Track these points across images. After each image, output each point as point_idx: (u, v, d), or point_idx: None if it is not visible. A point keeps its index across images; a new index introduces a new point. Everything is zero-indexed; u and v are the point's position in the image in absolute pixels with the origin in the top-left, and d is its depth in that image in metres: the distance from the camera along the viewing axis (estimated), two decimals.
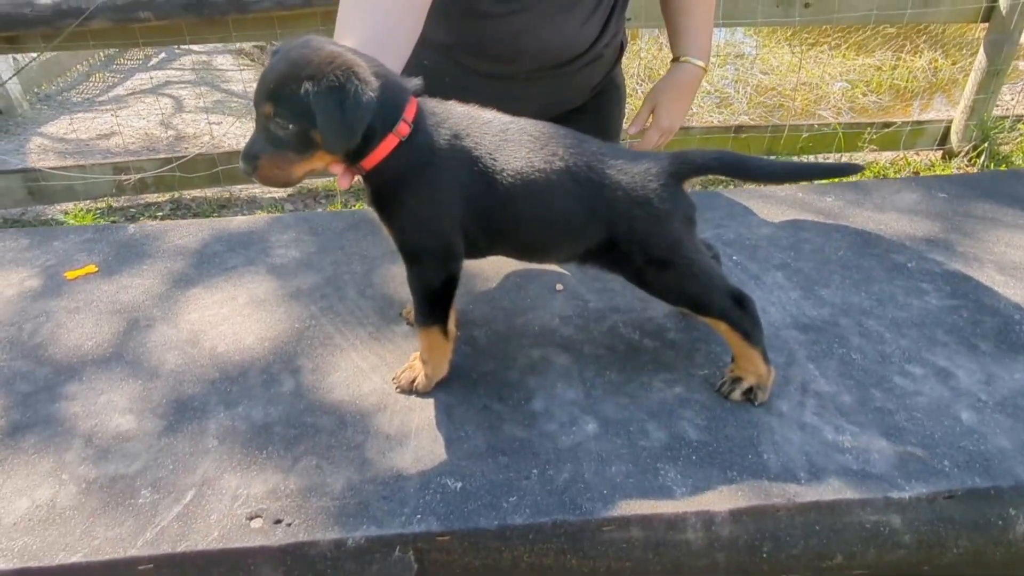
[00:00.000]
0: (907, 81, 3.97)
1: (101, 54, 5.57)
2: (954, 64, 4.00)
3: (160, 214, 2.92)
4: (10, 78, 3.65)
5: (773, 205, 1.16)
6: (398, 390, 0.75)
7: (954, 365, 0.80)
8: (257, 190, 3.17)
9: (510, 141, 0.68)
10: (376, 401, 0.73)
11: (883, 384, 0.78)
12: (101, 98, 4.89)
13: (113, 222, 2.71)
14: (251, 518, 0.58)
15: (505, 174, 0.66)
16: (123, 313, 0.89)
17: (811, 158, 2.80)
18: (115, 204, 2.93)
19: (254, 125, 0.65)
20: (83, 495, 0.61)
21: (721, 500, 0.63)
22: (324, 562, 0.57)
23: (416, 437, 0.68)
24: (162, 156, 2.96)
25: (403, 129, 0.63)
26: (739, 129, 2.75)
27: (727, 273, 0.97)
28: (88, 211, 2.91)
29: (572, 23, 1.08)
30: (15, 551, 0.55)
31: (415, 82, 0.67)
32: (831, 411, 0.74)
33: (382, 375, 0.77)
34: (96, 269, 1.01)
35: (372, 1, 0.86)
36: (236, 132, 3.96)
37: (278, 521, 0.58)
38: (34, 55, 3.29)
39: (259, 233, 1.10)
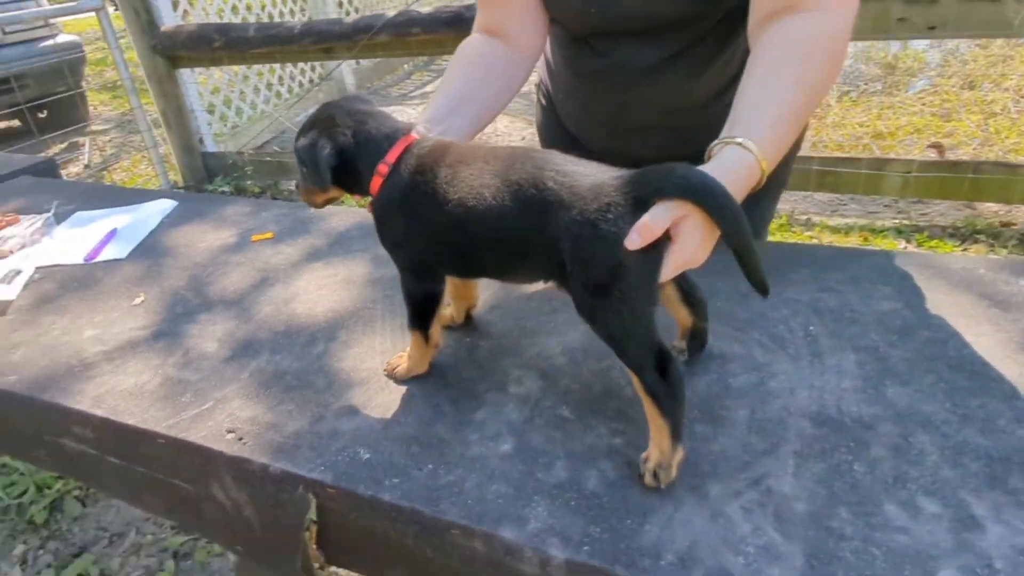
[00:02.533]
0: None
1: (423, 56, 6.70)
2: None
3: None
4: (328, 73, 4.67)
5: (934, 278, 1.00)
6: (384, 372, 0.90)
7: (996, 517, 0.64)
8: None
9: (467, 170, 0.75)
10: (364, 377, 0.90)
11: (864, 506, 0.67)
12: (413, 94, 5.94)
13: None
14: (228, 431, 0.81)
15: (457, 201, 0.74)
16: (263, 272, 1.22)
17: None
18: None
19: None
20: (160, 386, 0.91)
21: (565, 548, 0.64)
22: (254, 478, 0.76)
23: (368, 411, 0.84)
24: None
25: (382, 168, 0.78)
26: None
27: (788, 341, 0.90)
28: None
29: (668, 81, 1.07)
30: (110, 407, 0.87)
31: (410, 126, 0.81)
32: (766, 512, 0.67)
33: (384, 358, 0.94)
34: (272, 236, 1.37)
35: (465, 64, 1.06)
36: (505, 130, 4.46)
37: (240, 439, 0.79)
38: (339, 62, 4.16)
39: None
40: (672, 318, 0.85)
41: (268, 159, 3.38)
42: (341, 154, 0.78)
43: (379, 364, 0.92)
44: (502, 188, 0.72)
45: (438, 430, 0.80)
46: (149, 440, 0.82)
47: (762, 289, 0.71)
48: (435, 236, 0.78)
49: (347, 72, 5.10)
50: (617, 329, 0.69)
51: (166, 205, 1.54)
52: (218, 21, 3.57)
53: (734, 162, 0.75)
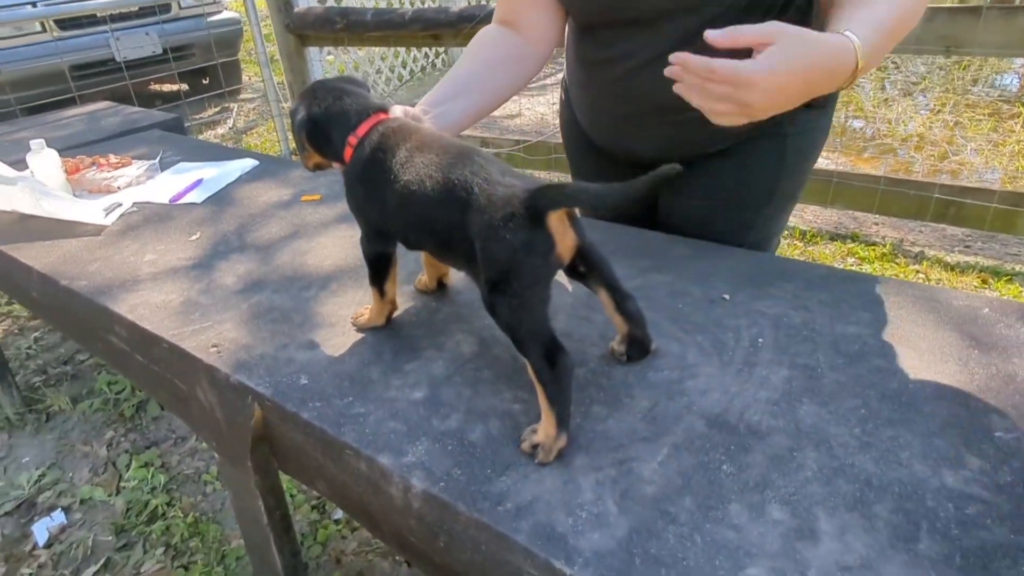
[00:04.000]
0: None
1: None
2: None
3: None
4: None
5: (928, 311, 0.98)
6: (351, 319, 1.04)
7: (834, 535, 0.66)
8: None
9: (416, 156, 0.86)
10: (333, 321, 1.04)
11: (711, 500, 0.70)
12: (532, 84, 6.07)
13: None
14: (213, 346, 0.98)
15: (401, 183, 0.86)
16: (297, 227, 1.40)
17: None
18: None
19: None
20: (180, 305, 1.11)
21: (423, 482, 0.74)
22: (220, 384, 0.93)
23: (323, 348, 0.97)
24: (515, 137, 3.67)
25: (351, 140, 0.91)
26: None
27: (728, 348, 0.92)
28: None
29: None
30: (136, 314, 1.09)
31: (385, 104, 0.93)
32: (615, 488, 0.71)
33: (351, 309, 1.07)
34: (320, 198, 1.56)
35: (476, 52, 1.15)
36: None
37: (218, 352, 0.97)
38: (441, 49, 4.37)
39: None
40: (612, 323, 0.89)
41: None
42: (315, 123, 0.92)
43: (351, 313, 1.06)
44: (440, 183, 0.82)
45: (371, 372, 0.92)
46: (157, 343, 1.02)
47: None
48: (384, 209, 0.90)
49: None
50: (511, 320, 0.77)
51: (248, 164, 1.79)
52: (343, 6, 3.93)
53: (834, 42, 0.74)
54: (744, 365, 0.90)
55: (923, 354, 0.89)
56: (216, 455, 1.02)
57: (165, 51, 4.59)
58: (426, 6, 4.28)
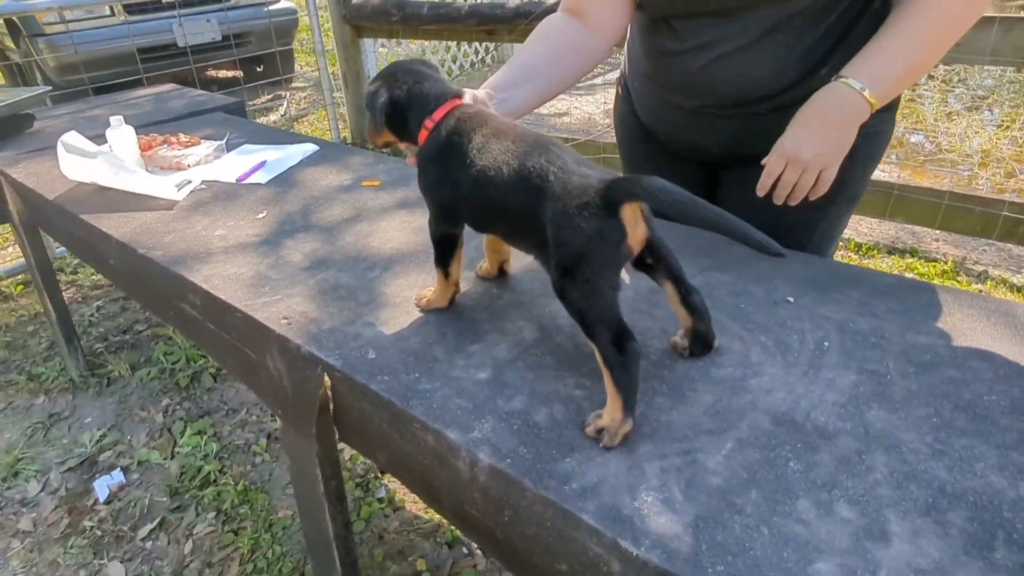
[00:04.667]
0: None
1: None
2: None
3: None
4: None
5: (1001, 325, 0.96)
6: (414, 300, 1.07)
7: (906, 538, 0.65)
8: None
9: (493, 143, 0.89)
10: (398, 301, 1.07)
11: (778, 495, 0.69)
12: (580, 84, 6.08)
13: None
14: (284, 318, 1.02)
15: (477, 168, 0.88)
16: (359, 210, 1.44)
17: None
18: None
19: None
20: (251, 278, 1.15)
21: (490, 457, 0.75)
22: (290, 354, 0.97)
23: (388, 326, 1.00)
24: (564, 136, 3.68)
25: (428, 123, 0.93)
26: None
27: (793, 350, 0.92)
28: None
29: (761, 62, 1.08)
30: (214, 285, 1.13)
31: (459, 90, 0.95)
32: (680, 477, 0.72)
33: (419, 291, 1.10)
34: (379, 184, 1.60)
35: (541, 39, 1.16)
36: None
37: (289, 324, 1.00)
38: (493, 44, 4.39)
39: None
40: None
41: None
42: (395, 105, 0.95)
43: (414, 294, 1.09)
44: (516, 169, 0.85)
45: (435, 351, 0.94)
46: (231, 312, 1.07)
47: (768, 250, 0.74)
48: (458, 191, 0.92)
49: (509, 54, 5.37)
50: (581, 305, 0.79)
51: (308, 148, 1.84)
52: None
53: (838, 94, 0.95)
54: (809, 367, 0.89)
55: (998, 368, 0.87)
56: (278, 422, 1.06)
57: (225, 38, 4.73)
58: (481, 1, 4.31)
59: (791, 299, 1.04)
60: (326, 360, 0.92)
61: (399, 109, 0.95)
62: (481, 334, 0.98)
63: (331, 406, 0.93)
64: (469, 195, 0.91)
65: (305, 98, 5.52)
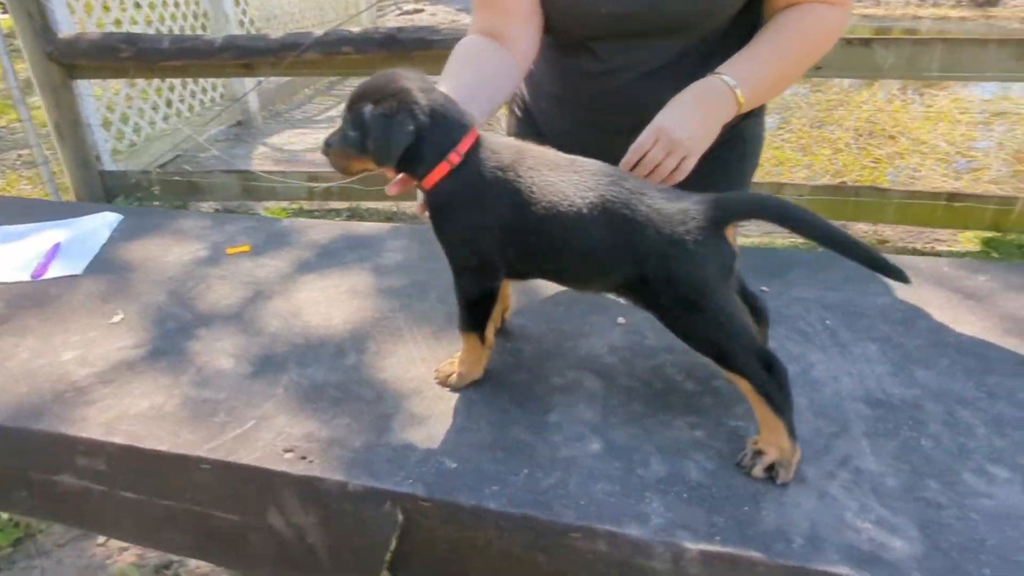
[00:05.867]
0: None
1: (326, 80, 6.52)
2: None
3: (339, 217, 3.39)
4: (243, 95, 4.45)
5: (911, 276, 1.09)
6: (436, 380, 0.85)
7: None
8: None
9: (552, 176, 0.75)
10: (414, 386, 0.84)
11: (946, 476, 0.71)
12: (318, 117, 5.77)
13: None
14: (286, 451, 0.72)
15: (542, 205, 0.74)
16: (254, 284, 1.11)
17: None
18: (305, 207, 3.44)
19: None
20: (181, 407, 0.79)
21: (696, 539, 0.63)
22: (329, 497, 0.68)
23: (434, 421, 0.78)
24: None
25: (453, 158, 0.75)
26: (978, 198, 2.54)
27: (812, 334, 0.94)
28: (284, 210, 3.46)
29: (674, 83, 1.10)
30: (128, 433, 0.75)
31: (475, 118, 0.79)
32: (864, 489, 0.70)
33: (428, 366, 0.88)
34: (249, 249, 1.26)
35: (473, 61, 1.03)
36: None
37: (303, 458, 0.71)
38: (260, 79, 4.00)
39: (377, 238, 1.29)
40: None
41: (178, 178, 3.11)
42: (418, 134, 0.74)
43: (425, 372, 0.87)
44: (595, 202, 0.73)
45: (515, 433, 0.76)
46: (187, 467, 0.71)
47: (898, 275, 0.73)
48: (508, 236, 0.76)
49: (251, 93, 4.87)
50: (719, 339, 0.71)
51: (111, 218, 1.37)
52: (116, 31, 3.26)
53: (710, 85, 0.96)
54: (838, 347, 0.95)
55: (942, 311, 1.01)
56: None
57: None
58: (236, 33, 3.75)
59: (766, 288, 1.11)
60: (397, 491, 0.67)
61: (419, 139, 0.75)
62: (543, 398, 0.83)
63: (411, 549, 0.68)
64: (525, 238, 0.76)
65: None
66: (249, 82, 4.44)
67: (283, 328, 0.97)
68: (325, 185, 3.12)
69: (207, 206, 3.33)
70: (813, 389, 0.85)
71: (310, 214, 3.41)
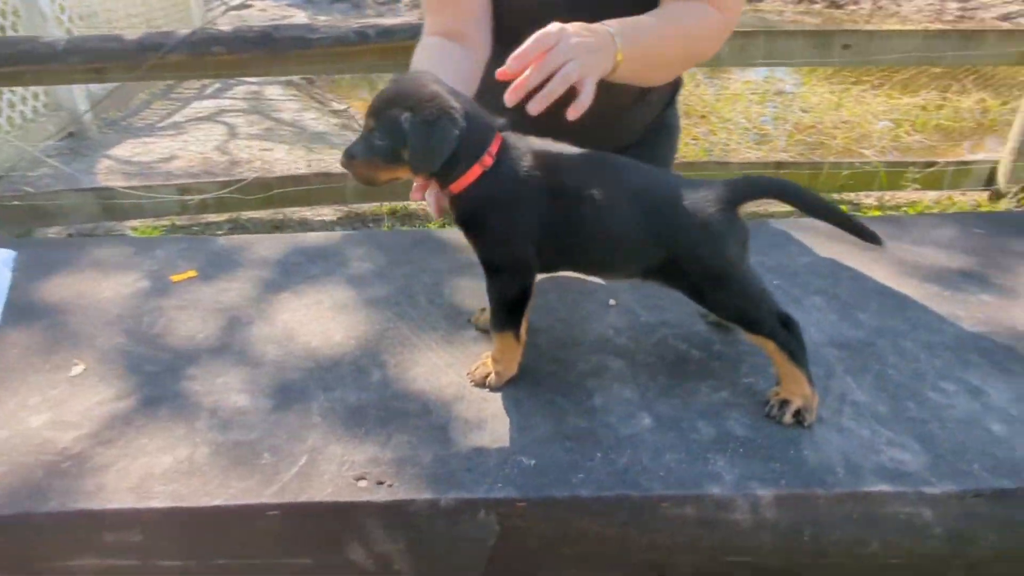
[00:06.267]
0: (954, 121, 4.01)
1: (161, 83, 5.87)
2: (1004, 104, 4.02)
3: (220, 232, 3.12)
4: (86, 112, 3.92)
5: (813, 237, 1.24)
6: (472, 384, 0.84)
7: (986, 384, 0.87)
8: (308, 213, 3.36)
9: (582, 171, 0.78)
10: (454, 392, 0.83)
11: (917, 397, 0.85)
12: (161, 124, 5.21)
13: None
14: (358, 479, 0.68)
15: (577, 199, 0.77)
16: (225, 312, 1.01)
17: (851, 196, 2.86)
18: (178, 223, 3.12)
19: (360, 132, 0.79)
20: (215, 455, 0.72)
21: (766, 487, 0.70)
22: (420, 518, 0.66)
23: (491, 423, 0.78)
24: (221, 179, 3.16)
25: (487, 160, 0.75)
26: (779, 165, 2.83)
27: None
28: (154, 227, 3.11)
29: (609, 87, 1.16)
30: (167, 494, 0.66)
31: (501, 120, 0.79)
32: (867, 418, 0.81)
33: (457, 371, 0.87)
34: (196, 274, 1.14)
35: (443, 65, 1.02)
36: (287, 158, 4.20)
37: (380, 483, 0.68)
38: (112, 84, 3.54)
39: (334, 247, 1.22)
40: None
41: (17, 203, 2.66)
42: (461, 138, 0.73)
43: (456, 377, 0.86)
44: (626, 192, 0.78)
45: (572, 421, 0.79)
46: (250, 518, 0.65)
47: (874, 239, 0.82)
48: (545, 232, 0.78)
49: (80, 99, 4.28)
50: (745, 307, 0.79)
51: (4, 255, 1.16)
52: None
53: (593, 25, 0.88)
54: (792, 302, 1.08)
55: (844, 266, 1.19)
56: None
57: None
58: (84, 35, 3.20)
59: None
60: (490, 497, 0.67)
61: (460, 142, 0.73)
62: (581, 385, 0.86)
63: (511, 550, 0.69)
64: (562, 233, 0.78)
65: None
66: (77, 89, 3.90)
67: (284, 354, 0.90)
68: (200, 197, 2.85)
69: (55, 231, 2.91)
70: None
71: (187, 230, 3.10)
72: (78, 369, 0.86)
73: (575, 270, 0.86)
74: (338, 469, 0.70)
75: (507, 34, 1.12)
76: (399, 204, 3.34)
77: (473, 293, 1.05)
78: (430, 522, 0.67)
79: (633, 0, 1.08)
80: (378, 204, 3.27)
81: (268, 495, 0.66)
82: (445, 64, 1.07)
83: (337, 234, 1.30)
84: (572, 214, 0.77)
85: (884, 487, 0.71)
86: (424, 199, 0.83)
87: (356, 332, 0.96)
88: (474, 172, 0.75)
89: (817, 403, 0.80)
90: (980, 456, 0.75)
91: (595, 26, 0.90)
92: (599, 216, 0.77)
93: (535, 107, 0.76)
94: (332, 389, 0.83)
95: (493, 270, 0.80)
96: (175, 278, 1.12)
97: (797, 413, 0.79)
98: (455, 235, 1.22)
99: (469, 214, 0.78)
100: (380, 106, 0.74)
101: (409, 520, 0.66)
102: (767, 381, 0.85)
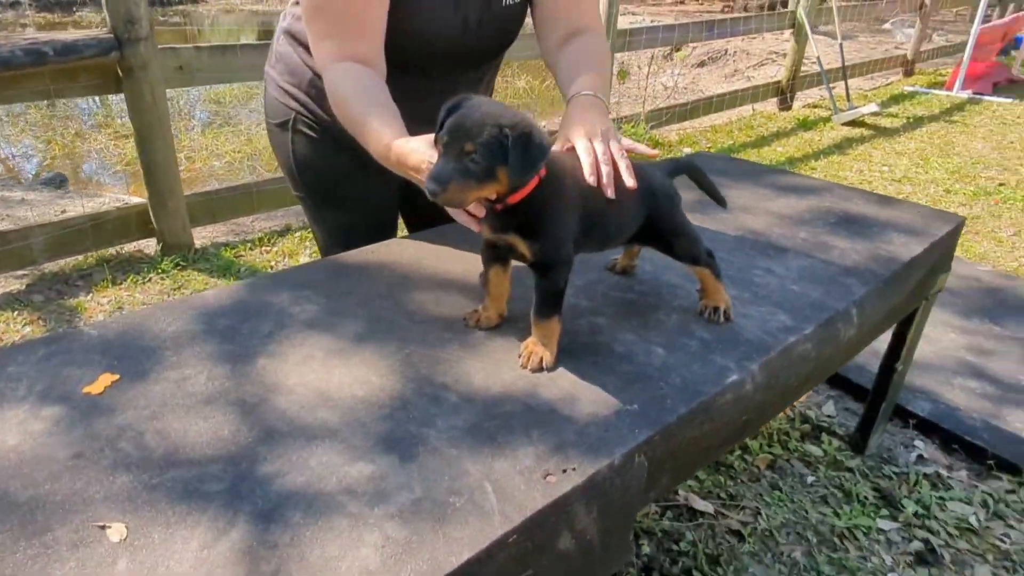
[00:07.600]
0: None
1: None
2: None
3: (16, 287, 2.44)
4: None
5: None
6: (530, 369, 0.97)
7: (773, 265, 1.35)
8: None
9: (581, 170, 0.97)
10: (527, 383, 0.94)
11: (752, 285, 1.28)
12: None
13: None
14: (545, 476, 0.78)
15: (599, 191, 0.96)
16: (204, 402, 0.88)
17: None
18: None
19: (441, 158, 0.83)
20: (430, 519, 0.71)
21: (754, 363, 1.03)
22: (606, 482, 0.80)
23: (579, 391, 0.93)
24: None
25: (543, 169, 0.87)
26: None
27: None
28: None
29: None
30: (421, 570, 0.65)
31: None
32: (747, 303, 1.20)
33: (509, 367, 0.98)
34: (118, 377, 0.93)
35: (376, 91, 1.14)
36: None
37: (564, 470, 0.79)
38: None
39: (261, 301, 1.13)
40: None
41: None
42: None
43: (512, 373, 0.97)
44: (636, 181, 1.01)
45: (623, 369, 0.99)
46: (494, 554, 0.69)
47: (722, 202, 1.22)
48: (583, 223, 0.96)
49: None
50: (694, 249, 1.11)
51: None
52: None
53: (583, 100, 1.15)
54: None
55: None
56: None
57: None
58: None
59: None
60: (637, 443, 0.85)
61: None
62: (598, 344, 1.06)
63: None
64: (594, 221, 0.98)
65: None
66: None
67: (348, 414, 0.87)
68: None
69: None
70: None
71: None
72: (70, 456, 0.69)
73: (587, 251, 1.04)
74: (528, 475, 0.77)
75: (397, 55, 1.16)
76: (109, 251, 2.86)
77: (438, 300, 1.13)
78: (611, 482, 0.81)
79: (513, 17, 1.24)
80: (81, 256, 2.78)
81: (500, 527, 0.71)
82: (379, 89, 1.09)
83: (241, 284, 1.17)
84: (601, 203, 0.96)
85: (789, 338, 1.11)
86: (467, 217, 0.90)
87: (380, 373, 0.96)
88: (534, 180, 0.86)
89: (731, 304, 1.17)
90: (799, 305, 1.22)
91: (586, 102, 1.12)
92: (617, 200, 0.98)
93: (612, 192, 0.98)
94: (430, 424, 0.86)
95: (556, 264, 0.93)
96: (90, 389, 0.90)
97: (725, 313, 1.15)
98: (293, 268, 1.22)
99: (532, 220, 0.89)
100: (474, 129, 0.79)
101: (599, 487, 0.80)
102: (687, 302, 1.18)
